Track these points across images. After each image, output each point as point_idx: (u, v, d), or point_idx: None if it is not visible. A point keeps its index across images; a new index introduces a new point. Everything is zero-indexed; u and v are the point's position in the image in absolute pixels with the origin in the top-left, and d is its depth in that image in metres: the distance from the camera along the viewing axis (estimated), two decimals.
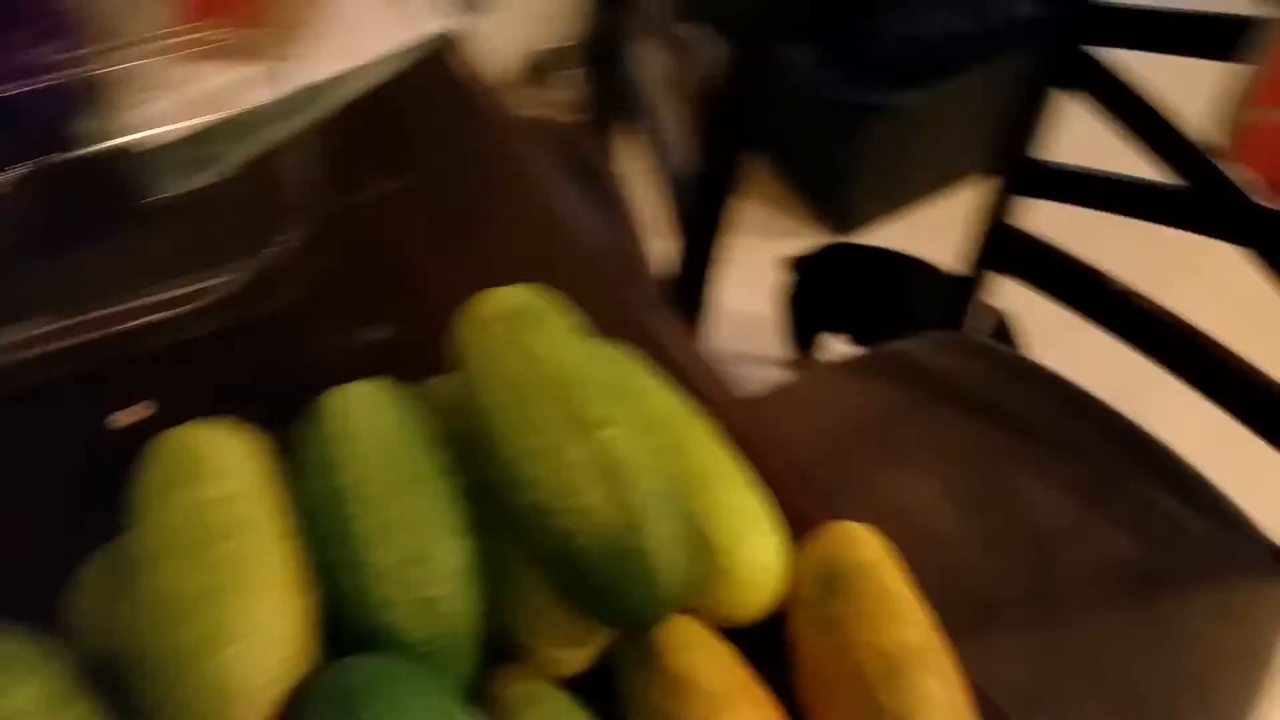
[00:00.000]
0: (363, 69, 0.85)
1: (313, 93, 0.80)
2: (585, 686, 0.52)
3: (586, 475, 0.49)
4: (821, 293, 1.58)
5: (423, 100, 0.85)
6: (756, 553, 0.53)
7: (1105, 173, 0.91)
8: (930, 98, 1.57)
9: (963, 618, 0.94)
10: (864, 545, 0.54)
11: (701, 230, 1.00)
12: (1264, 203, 0.80)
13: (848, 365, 1.12)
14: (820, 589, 0.52)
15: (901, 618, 0.51)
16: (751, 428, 0.63)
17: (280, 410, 0.55)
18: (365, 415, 0.53)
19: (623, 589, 0.49)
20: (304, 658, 0.48)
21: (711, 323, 1.14)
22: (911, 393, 1.08)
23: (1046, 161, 0.94)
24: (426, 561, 0.49)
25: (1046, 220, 1.04)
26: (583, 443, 0.50)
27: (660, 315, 0.71)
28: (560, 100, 1.36)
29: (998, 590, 0.95)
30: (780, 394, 1.10)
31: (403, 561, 0.49)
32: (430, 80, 0.86)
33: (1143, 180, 0.89)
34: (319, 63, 0.86)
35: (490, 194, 0.80)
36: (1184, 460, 1.04)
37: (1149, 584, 0.95)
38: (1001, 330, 1.39)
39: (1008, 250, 1.03)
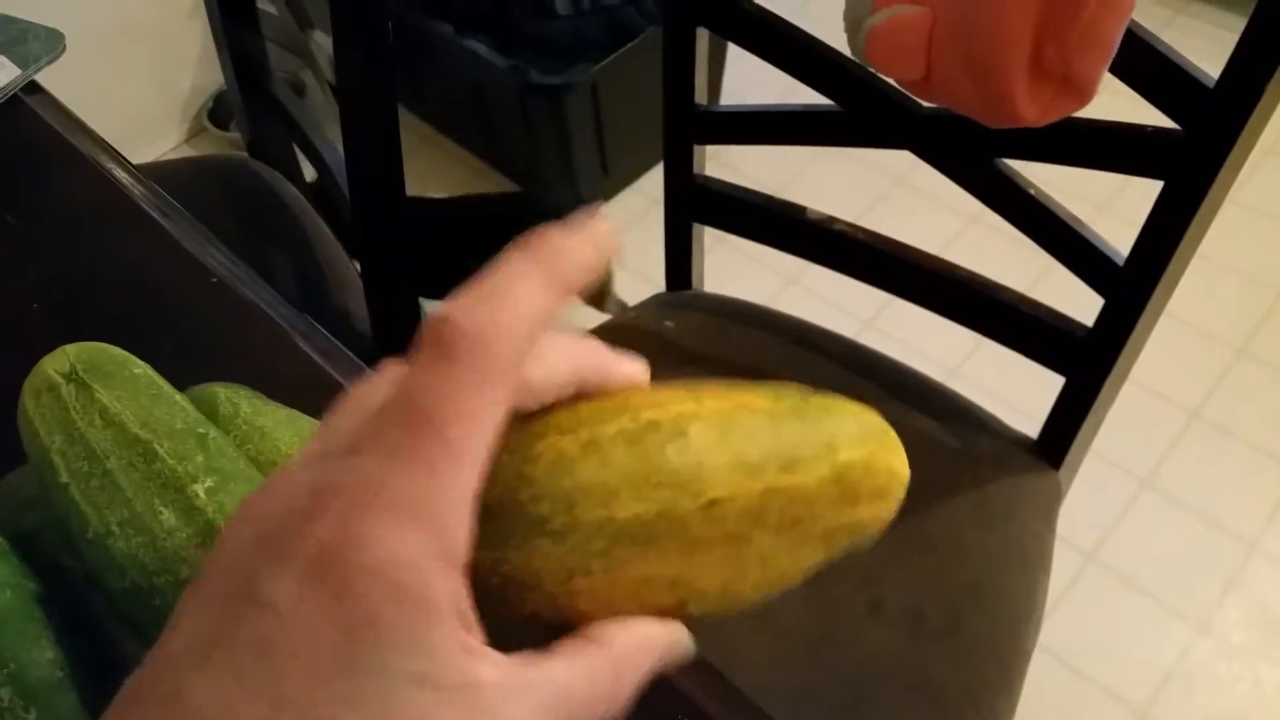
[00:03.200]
0: None
1: None
2: None
3: (182, 542, 0.42)
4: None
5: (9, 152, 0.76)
6: None
7: (770, 107, 0.89)
8: (616, 67, 1.54)
9: None
10: None
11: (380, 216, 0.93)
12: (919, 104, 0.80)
13: None
14: None
15: None
16: None
17: None
18: None
19: None
20: None
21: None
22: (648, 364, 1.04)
23: (712, 106, 0.91)
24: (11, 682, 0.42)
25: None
26: (173, 504, 0.43)
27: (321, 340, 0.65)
28: (236, 138, 1.26)
29: None
30: None
31: None
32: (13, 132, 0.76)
33: (804, 107, 0.88)
34: None
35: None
36: (920, 374, 1.03)
37: (912, 504, 0.94)
38: None
39: (703, 202, 1.00)
